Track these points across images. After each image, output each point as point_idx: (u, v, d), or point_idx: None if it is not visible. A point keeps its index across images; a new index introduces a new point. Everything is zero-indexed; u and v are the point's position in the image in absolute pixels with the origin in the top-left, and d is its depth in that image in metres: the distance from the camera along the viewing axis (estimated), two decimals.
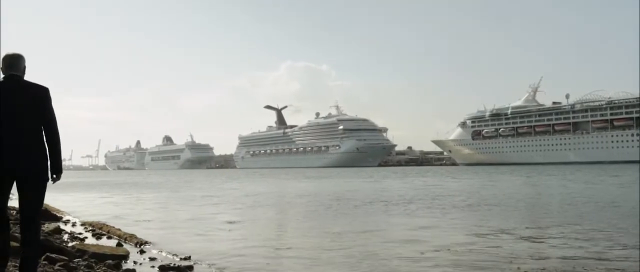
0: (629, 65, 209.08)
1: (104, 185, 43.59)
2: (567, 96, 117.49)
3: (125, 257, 7.69)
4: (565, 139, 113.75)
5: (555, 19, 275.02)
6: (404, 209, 17.13)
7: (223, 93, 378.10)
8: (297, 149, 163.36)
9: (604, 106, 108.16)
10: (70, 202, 21.43)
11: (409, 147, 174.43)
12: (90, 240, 9.83)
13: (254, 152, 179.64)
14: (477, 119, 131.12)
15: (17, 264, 5.26)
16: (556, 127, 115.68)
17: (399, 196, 23.25)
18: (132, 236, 9.86)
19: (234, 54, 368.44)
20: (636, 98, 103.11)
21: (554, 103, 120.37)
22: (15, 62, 4.83)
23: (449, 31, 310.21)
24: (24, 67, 4.89)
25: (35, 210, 4.77)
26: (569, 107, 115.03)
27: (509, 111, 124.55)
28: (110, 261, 7.09)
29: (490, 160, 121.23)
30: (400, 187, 31.54)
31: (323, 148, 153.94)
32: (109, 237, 10.24)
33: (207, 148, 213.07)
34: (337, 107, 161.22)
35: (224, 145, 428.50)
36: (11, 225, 7.15)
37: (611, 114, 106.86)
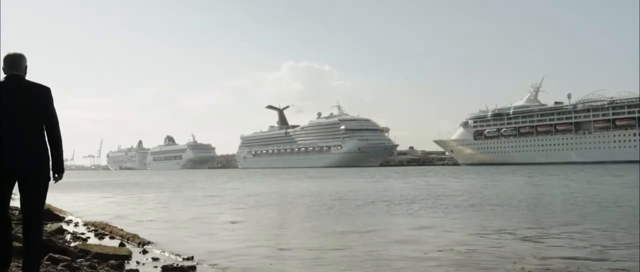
0: (631, 65, 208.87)
1: (106, 185, 43.59)
2: (569, 96, 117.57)
3: (128, 257, 7.67)
4: (567, 139, 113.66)
5: (558, 19, 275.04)
6: (406, 209, 17.11)
7: (225, 93, 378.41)
8: (299, 149, 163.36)
9: (606, 106, 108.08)
10: (73, 202, 21.44)
11: (411, 147, 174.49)
12: (93, 240, 9.82)
13: (255, 152, 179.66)
14: (479, 119, 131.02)
15: (20, 265, 5.26)
16: (558, 127, 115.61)
17: (401, 196, 23.23)
18: (135, 236, 9.85)
19: (236, 54, 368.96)
20: (638, 98, 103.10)
21: (556, 103, 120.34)
22: (16, 62, 4.82)
23: (451, 31, 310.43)
24: (26, 67, 4.88)
25: (36, 210, 4.77)
26: (571, 107, 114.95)
27: (511, 111, 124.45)
28: (113, 261, 7.08)
29: (492, 160, 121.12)
30: (402, 187, 31.52)
31: (325, 148, 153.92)
32: (112, 237, 10.23)
33: (209, 148, 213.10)
34: (339, 107, 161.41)
35: (226, 145, 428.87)
36: (14, 225, 7.15)
37: (613, 114, 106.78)
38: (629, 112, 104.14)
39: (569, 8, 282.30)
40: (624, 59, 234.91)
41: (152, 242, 9.43)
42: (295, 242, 10.31)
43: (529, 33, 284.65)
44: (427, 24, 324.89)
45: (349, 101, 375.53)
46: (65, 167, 5.05)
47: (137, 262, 7.49)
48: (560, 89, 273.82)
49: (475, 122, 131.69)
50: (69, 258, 6.77)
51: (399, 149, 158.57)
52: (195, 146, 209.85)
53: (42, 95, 4.81)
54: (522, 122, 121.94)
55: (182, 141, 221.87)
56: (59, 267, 6.26)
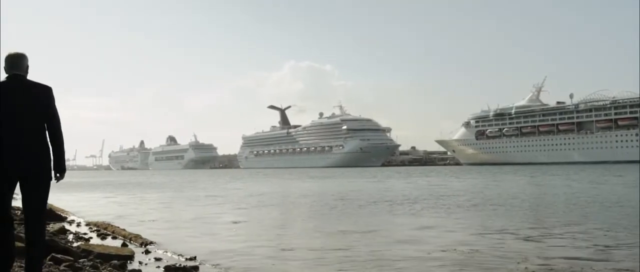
0: (633, 65, 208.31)
1: (108, 185, 43.63)
2: (571, 96, 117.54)
3: (130, 257, 7.67)
4: (569, 138, 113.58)
5: (560, 19, 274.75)
6: (408, 208, 17.10)
7: (227, 93, 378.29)
8: (301, 149, 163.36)
9: (608, 106, 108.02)
10: (75, 202, 21.46)
11: (413, 147, 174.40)
12: (95, 240, 9.82)
13: (257, 152, 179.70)
14: (481, 119, 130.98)
15: (23, 265, 5.26)
16: (560, 127, 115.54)
17: (403, 195, 23.22)
18: (137, 236, 9.85)
19: (238, 54, 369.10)
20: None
21: (558, 103, 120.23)
22: (17, 61, 4.82)
23: (453, 31, 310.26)
24: (27, 67, 4.87)
25: (38, 210, 4.76)
26: (573, 106, 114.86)
27: (513, 111, 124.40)
28: (115, 262, 7.08)
29: (494, 160, 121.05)
30: (404, 187, 31.51)
31: (327, 148, 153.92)
32: (114, 238, 10.23)
33: (210, 148, 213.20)
34: (341, 107, 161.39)
35: (228, 145, 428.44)
36: (16, 225, 7.15)
37: (615, 114, 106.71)
38: (631, 112, 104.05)
39: (572, 8, 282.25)
40: (626, 59, 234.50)
41: (155, 243, 9.42)
42: (298, 242, 10.30)
43: (532, 33, 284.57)
44: (428, 24, 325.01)
45: (351, 101, 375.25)
46: (67, 167, 5.04)
47: (140, 263, 7.49)
48: (563, 89, 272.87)
49: (477, 122, 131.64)
50: (71, 258, 6.77)
51: (400, 149, 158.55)
52: (197, 146, 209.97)
53: (43, 95, 4.80)
54: (524, 122, 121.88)
55: (184, 141, 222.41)
56: (62, 268, 6.25)
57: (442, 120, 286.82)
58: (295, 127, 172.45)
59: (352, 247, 9.24)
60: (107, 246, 8.41)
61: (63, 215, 14.23)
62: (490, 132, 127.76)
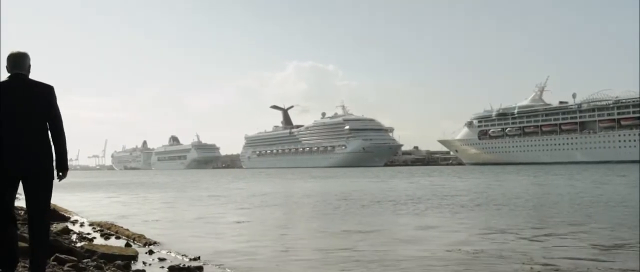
0: (635, 65, 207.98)
1: (111, 185, 43.67)
2: (574, 96, 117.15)
3: (134, 257, 7.65)
4: (572, 138, 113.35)
5: (563, 18, 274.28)
6: (412, 208, 17.08)
7: (230, 93, 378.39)
8: (304, 149, 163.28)
9: (611, 105, 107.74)
10: (78, 202, 21.49)
11: (415, 147, 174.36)
12: (99, 240, 9.81)
13: (260, 152, 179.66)
14: (484, 119, 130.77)
15: (27, 265, 5.24)
16: (563, 127, 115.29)
17: (406, 195, 23.20)
18: (141, 236, 9.83)
19: (241, 54, 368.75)
20: None
21: (560, 102, 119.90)
22: (19, 61, 4.81)
23: (456, 31, 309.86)
24: (29, 66, 4.87)
25: (40, 209, 4.74)
26: (576, 106, 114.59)
27: (516, 111, 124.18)
28: (119, 262, 7.06)
29: (497, 160, 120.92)
30: (407, 186, 31.48)
31: (329, 148, 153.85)
32: (118, 238, 10.21)
33: (213, 148, 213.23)
34: (344, 107, 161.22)
35: (231, 145, 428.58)
36: (20, 225, 7.14)
37: (618, 114, 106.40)
38: (634, 112, 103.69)
39: (575, 7, 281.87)
40: (629, 58, 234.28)
41: (158, 243, 9.41)
42: (301, 242, 10.29)
43: (534, 32, 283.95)
44: (431, 24, 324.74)
45: (354, 101, 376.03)
46: (69, 167, 5.03)
47: (144, 263, 7.47)
48: (565, 89, 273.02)
49: (479, 121, 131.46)
50: (75, 258, 6.75)
51: (403, 148, 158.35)
52: (199, 146, 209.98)
53: (45, 94, 4.79)
54: (527, 121, 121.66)
55: (186, 141, 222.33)
56: (66, 268, 6.24)
57: (445, 120, 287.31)
58: (298, 127, 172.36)
59: (356, 247, 9.22)
60: (111, 246, 8.39)
61: (66, 215, 14.23)
62: (493, 132, 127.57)
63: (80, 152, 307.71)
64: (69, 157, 5.09)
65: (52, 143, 4.79)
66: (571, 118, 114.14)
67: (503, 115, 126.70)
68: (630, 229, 11.04)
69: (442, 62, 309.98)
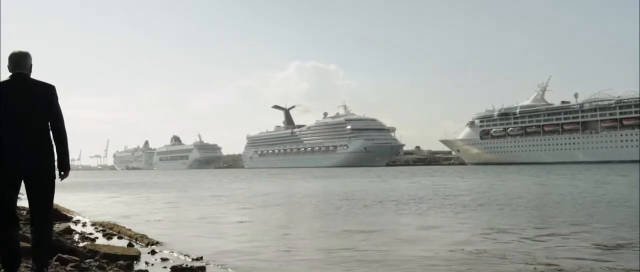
0: (637, 65, 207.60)
1: (113, 185, 43.67)
2: (576, 95, 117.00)
3: (136, 257, 7.63)
4: (574, 138, 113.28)
5: (565, 18, 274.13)
6: (414, 208, 17.06)
7: (231, 93, 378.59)
8: (305, 148, 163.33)
9: (613, 105, 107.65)
10: (80, 202, 21.50)
11: (417, 147, 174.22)
12: (101, 240, 9.80)
13: (262, 152, 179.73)
14: (486, 119, 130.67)
15: (29, 265, 5.23)
16: (565, 127, 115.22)
17: (408, 195, 23.17)
18: (143, 236, 9.82)
19: (242, 54, 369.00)
20: None
21: (562, 102, 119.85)
22: (21, 60, 4.80)
23: (457, 30, 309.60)
24: (31, 65, 4.87)
25: (42, 210, 4.74)
26: (578, 106, 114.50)
27: (518, 110, 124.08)
28: (121, 262, 7.04)
29: (499, 159, 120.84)
30: (409, 186, 31.45)
31: (331, 148, 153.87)
32: (120, 238, 10.20)
33: (215, 148, 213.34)
34: (345, 107, 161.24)
35: (232, 145, 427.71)
36: (22, 225, 7.13)
37: (620, 113, 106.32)
38: (636, 112, 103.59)
39: (576, 7, 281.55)
40: (631, 58, 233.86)
41: (161, 243, 9.40)
42: (303, 242, 10.29)
43: (536, 32, 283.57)
44: (432, 24, 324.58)
45: (355, 101, 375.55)
46: (71, 167, 5.02)
47: (146, 263, 7.45)
48: (567, 89, 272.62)
49: (481, 121, 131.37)
50: (77, 259, 6.74)
51: (405, 148, 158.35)
52: (201, 146, 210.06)
53: (46, 94, 4.78)
54: (529, 121, 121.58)
55: (188, 140, 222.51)
56: (68, 268, 6.22)
57: (446, 120, 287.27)
58: (300, 127, 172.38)
59: (358, 247, 9.21)
60: (113, 246, 8.38)
61: (68, 215, 14.22)
62: (495, 131, 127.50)
63: (82, 152, 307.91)
64: (70, 157, 5.08)
65: (53, 143, 4.78)
66: (573, 118, 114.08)
67: (505, 115, 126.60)
68: (632, 229, 11.01)
69: (443, 62, 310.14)
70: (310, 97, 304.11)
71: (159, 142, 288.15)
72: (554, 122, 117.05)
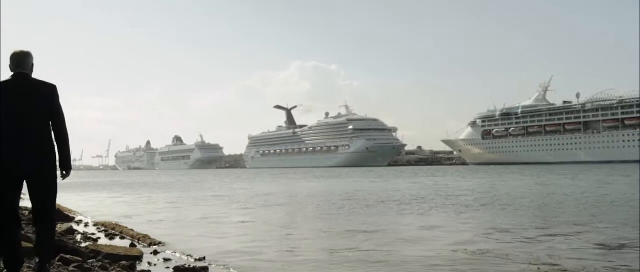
0: (639, 64, 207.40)
1: (115, 185, 43.71)
2: (578, 95, 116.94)
3: (139, 257, 7.63)
4: (575, 138, 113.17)
5: (566, 18, 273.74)
6: (416, 208, 17.06)
7: (233, 93, 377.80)
8: (307, 148, 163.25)
9: (615, 105, 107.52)
10: (82, 201, 21.52)
11: (419, 147, 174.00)
12: (103, 240, 9.80)
13: (263, 152, 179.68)
14: (487, 118, 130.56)
15: (31, 265, 5.23)
16: (566, 127, 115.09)
17: (410, 195, 23.17)
18: (146, 237, 9.82)
19: (244, 54, 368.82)
20: None
21: (564, 102, 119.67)
22: (22, 60, 4.80)
23: (459, 30, 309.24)
24: (32, 65, 4.85)
25: (44, 209, 4.72)
26: (580, 106, 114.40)
27: (519, 110, 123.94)
28: (124, 262, 7.04)
29: (500, 159, 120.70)
30: (410, 186, 31.44)
31: (332, 148, 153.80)
32: (122, 238, 10.21)
33: (216, 148, 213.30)
34: (347, 107, 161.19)
35: (234, 145, 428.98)
36: (24, 225, 7.13)
37: (622, 113, 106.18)
38: (637, 112, 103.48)
39: (576, 7, 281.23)
40: (631, 58, 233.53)
41: (163, 243, 9.40)
42: (306, 242, 10.28)
43: (538, 31, 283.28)
44: (434, 24, 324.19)
45: (357, 101, 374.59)
46: (73, 167, 5.02)
47: (149, 263, 7.45)
48: (569, 88, 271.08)
49: (483, 121, 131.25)
50: (80, 259, 6.75)
51: (406, 148, 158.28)
52: (203, 146, 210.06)
53: (47, 93, 4.78)
54: (531, 121, 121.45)
55: (190, 140, 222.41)
56: (71, 268, 6.23)
57: (448, 119, 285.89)
58: (301, 126, 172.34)
59: (360, 247, 9.21)
60: (116, 246, 8.37)
61: (71, 215, 14.23)
62: (497, 131, 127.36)
63: (84, 152, 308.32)
64: (72, 157, 5.08)
65: (54, 142, 4.78)
66: (575, 118, 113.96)
67: (506, 114, 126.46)
68: (634, 229, 11.00)
69: (444, 62, 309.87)
70: (311, 97, 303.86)
71: (161, 142, 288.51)
72: (556, 122, 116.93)
